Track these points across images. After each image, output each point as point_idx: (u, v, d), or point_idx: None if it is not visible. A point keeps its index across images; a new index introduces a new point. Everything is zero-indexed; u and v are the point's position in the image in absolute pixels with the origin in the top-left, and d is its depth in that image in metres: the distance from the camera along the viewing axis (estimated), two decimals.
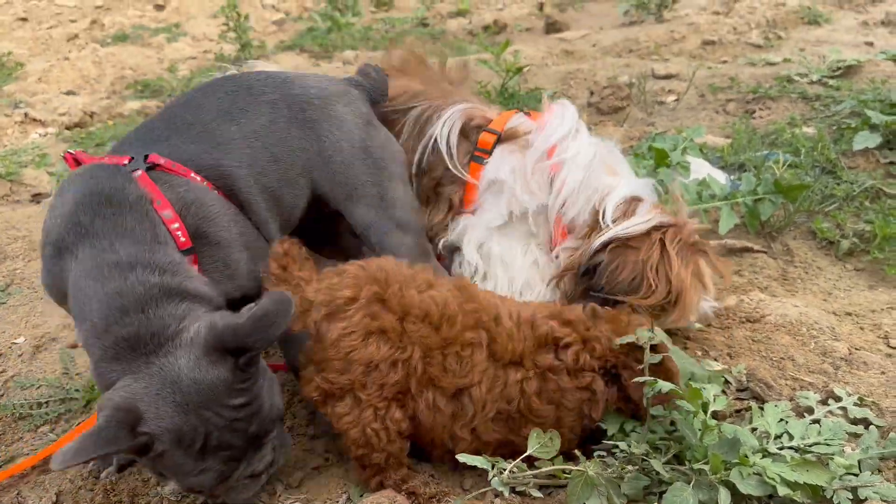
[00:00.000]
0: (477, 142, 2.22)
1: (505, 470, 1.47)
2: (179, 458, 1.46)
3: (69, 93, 6.31)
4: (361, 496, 1.64)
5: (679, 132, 3.41)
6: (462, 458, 1.51)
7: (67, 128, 5.53)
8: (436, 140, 2.24)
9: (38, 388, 2.27)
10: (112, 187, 1.69)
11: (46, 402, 2.20)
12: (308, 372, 1.60)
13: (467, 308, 1.62)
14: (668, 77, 4.82)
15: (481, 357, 1.58)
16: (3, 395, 2.27)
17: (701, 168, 3.09)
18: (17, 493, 1.84)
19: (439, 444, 1.65)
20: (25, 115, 5.52)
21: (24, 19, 8.89)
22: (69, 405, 2.18)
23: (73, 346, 2.48)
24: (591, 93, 4.50)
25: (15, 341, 2.52)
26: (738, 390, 1.94)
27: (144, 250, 1.62)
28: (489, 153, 2.20)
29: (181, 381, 1.44)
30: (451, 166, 2.23)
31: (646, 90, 4.47)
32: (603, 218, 2.05)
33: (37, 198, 4.11)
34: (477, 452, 1.59)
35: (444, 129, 2.23)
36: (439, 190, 2.28)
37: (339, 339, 1.52)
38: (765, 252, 2.74)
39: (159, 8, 9.33)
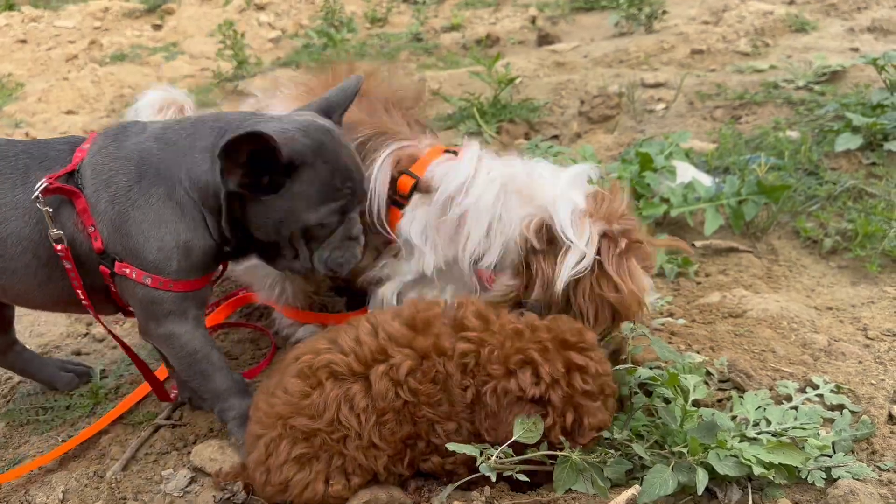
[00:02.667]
0: (397, 184, 2.08)
1: (492, 456, 1.53)
2: (314, 188, 1.74)
3: (69, 112, 6.40)
4: None
5: (666, 137, 3.49)
6: (452, 446, 1.58)
7: None
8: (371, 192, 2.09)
9: (44, 393, 2.33)
10: None
11: (52, 408, 2.27)
12: None
13: (299, 368, 1.70)
14: (657, 86, 4.91)
15: (328, 388, 1.65)
16: (9, 401, 2.34)
17: (686, 171, 3.18)
18: (26, 492, 1.90)
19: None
20: (27, 134, 5.61)
21: (24, 41, 9.01)
22: (73, 412, 2.24)
23: (77, 354, 2.55)
24: (582, 102, 4.59)
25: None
26: (719, 381, 2.01)
27: None
28: (407, 199, 2.07)
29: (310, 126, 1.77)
30: (377, 223, 2.09)
31: (635, 99, 4.56)
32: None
33: None
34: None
35: (377, 179, 2.08)
36: (368, 237, 2.08)
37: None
38: (750, 252, 2.81)
39: (157, 28, 9.45)
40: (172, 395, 2.15)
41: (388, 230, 2.09)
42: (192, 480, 1.92)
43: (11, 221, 1.79)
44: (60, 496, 1.88)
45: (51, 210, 1.75)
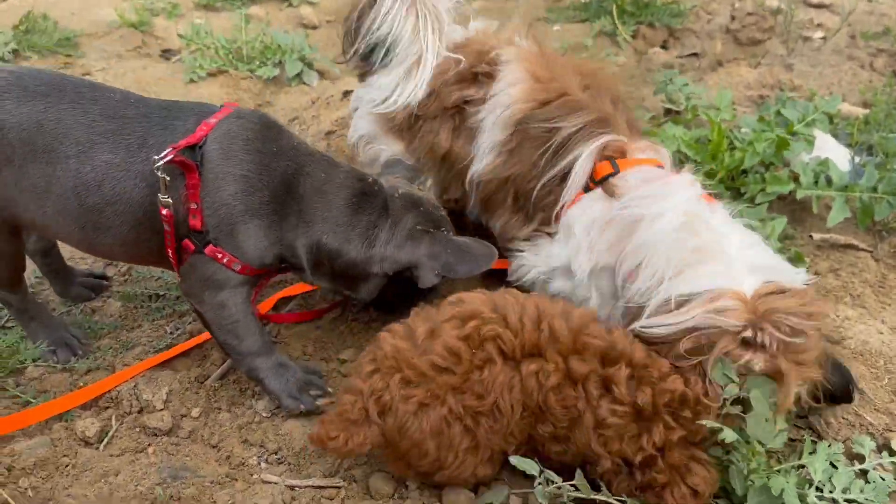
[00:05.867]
0: (595, 168, 2.03)
1: (553, 482, 1.62)
2: None
3: None
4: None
5: (812, 96, 3.21)
6: (514, 460, 1.67)
7: None
8: (570, 172, 2.06)
9: (157, 279, 2.52)
10: None
11: (163, 295, 2.46)
12: (397, 467, 1.80)
13: (467, 332, 1.68)
14: (820, 6, 4.44)
15: (497, 368, 1.65)
16: (126, 281, 2.55)
17: (825, 145, 2.95)
18: (135, 385, 2.12)
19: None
20: None
21: None
22: (182, 304, 2.43)
23: None
24: (732, 18, 4.21)
25: None
26: (797, 416, 2.00)
27: None
28: (596, 184, 2.03)
29: None
30: (566, 191, 2.06)
31: (793, 21, 4.15)
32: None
33: (166, 53, 4.28)
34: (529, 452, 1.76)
35: (581, 164, 2.04)
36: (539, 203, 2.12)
37: (401, 431, 1.67)
38: (869, 252, 2.66)
39: None
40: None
41: (557, 213, 2.07)
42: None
43: (122, 182, 1.85)
44: (164, 397, 2.09)
45: (167, 178, 1.81)
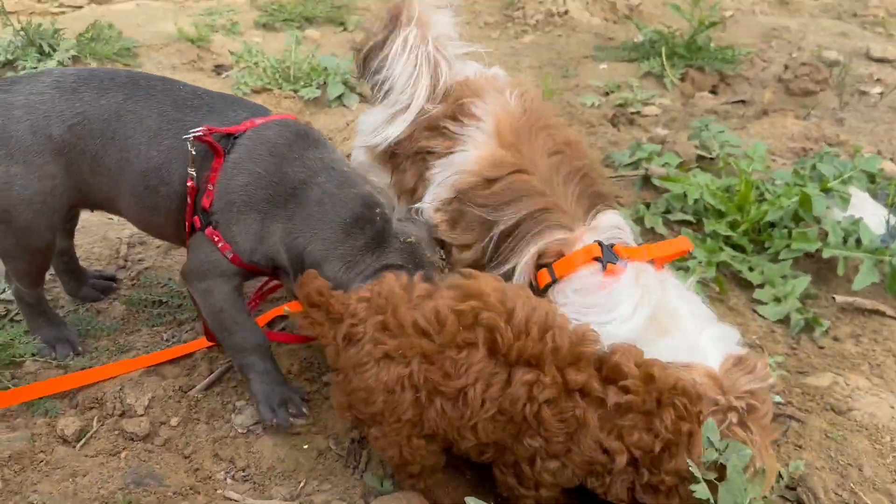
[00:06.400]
0: (537, 276, 1.97)
1: None
2: None
3: None
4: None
5: (856, 152, 3.08)
6: (470, 501, 1.61)
7: None
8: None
9: (163, 286, 2.57)
10: None
11: (165, 302, 2.50)
12: (339, 400, 1.73)
13: (462, 308, 1.61)
14: (882, 61, 4.28)
15: (478, 356, 1.57)
16: (134, 286, 2.60)
17: (862, 204, 2.83)
18: (121, 388, 2.15)
19: (452, 443, 1.71)
20: None
21: None
22: (182, 313, 2.46)
23: None
24: (786, 67, 4.10)
25: None
26: (786, 487, 1.88)
27: None
28: (540, 294, 1.96)
29: None
30: None
31: (849, 74, 4.01)
32: None
33: (218, 69, 4.40)
34: (480, 452, 1.68)
35: (521, 268, 1.99)
36: None
37: (357, 369, 1.63)
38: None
39: None
40: None
41: None
42: (257, 421, 2.09)
43: (176, 164, 1.99)
44: (146, 402, 2.11)
45: (194, 153, 1.94)
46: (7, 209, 1.98)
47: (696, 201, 2.82)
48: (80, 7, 5.05)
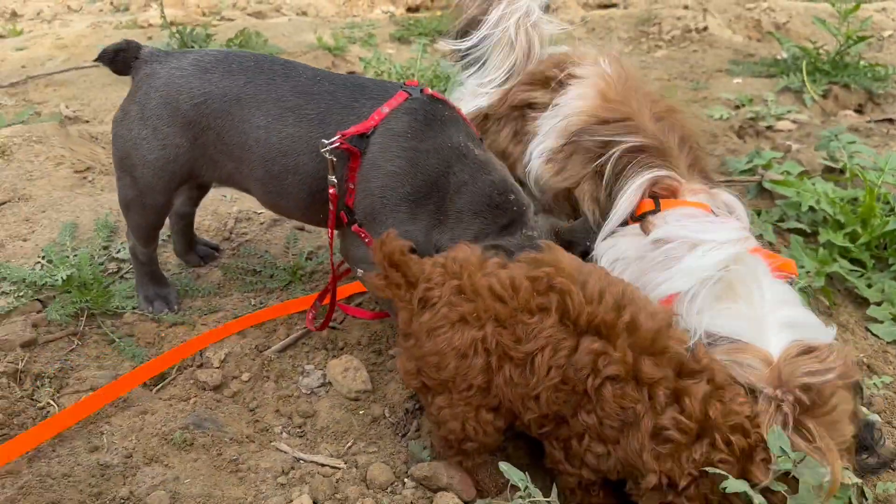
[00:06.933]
0: (639, 204, 1.92)
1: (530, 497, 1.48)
2: None
3: None
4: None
5: None
6: (503, 466, 1.55)
7: (409, 9, 5.98)
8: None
9: (259, 257, 2.69)
10: None
11: (259, 272, 2.62)
12: (407, 367, 1.71)
13: (536, 274, 1.58)
14: None
15: (550, 321, 1.53)
16: (234, 255, 2.74)
17: None
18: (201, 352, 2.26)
19: (516, 416, 1.66)
20: None
21: None
22: (273, 283, 2.56)
23: (300, 228, 2.87)
24: None
25: (258, 211, 2.99)
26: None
27: None
28: (635, 220, 1.91)
29: None
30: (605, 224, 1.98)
31: None
32: None
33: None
34: (541, 425, 1.62)
35: (627, 199, 1.94)
36: None
37: (431, 333, 1.60)
38: None
39: None
40: (317, 325, 2.30)
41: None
42: (322, 384, 2.13)
43: (301, 155, 2.04)
44: (223, 357, 2.20)
45: (335, 160, 1.96)
46: (134, 164, 2.15)
47: (811, 209, 2.61)
48: (234, 20, 5.46)
